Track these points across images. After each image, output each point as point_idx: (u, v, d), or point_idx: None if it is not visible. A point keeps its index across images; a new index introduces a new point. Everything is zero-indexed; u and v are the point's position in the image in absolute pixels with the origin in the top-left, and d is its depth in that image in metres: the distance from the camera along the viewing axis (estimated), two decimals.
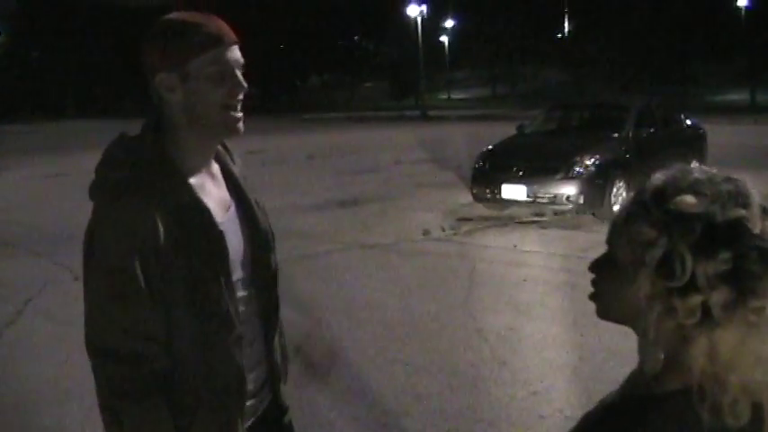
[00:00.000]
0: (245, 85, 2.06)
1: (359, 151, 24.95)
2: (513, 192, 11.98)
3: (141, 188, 1.98)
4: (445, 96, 70.11)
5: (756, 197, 1.40)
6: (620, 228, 1.46)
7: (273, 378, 2.34)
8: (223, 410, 2.09)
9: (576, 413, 5.33)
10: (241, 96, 2.07)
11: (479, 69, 74.44)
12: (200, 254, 2.01)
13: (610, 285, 1.50)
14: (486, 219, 12.45)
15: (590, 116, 14.43)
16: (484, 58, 69.96)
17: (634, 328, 1.49)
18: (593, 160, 11.89)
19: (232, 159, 2.30)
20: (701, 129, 15.33)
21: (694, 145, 14.70)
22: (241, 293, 2.17)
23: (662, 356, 1.41)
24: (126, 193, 1.97)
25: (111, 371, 1.98)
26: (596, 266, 1.55)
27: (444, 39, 71.62)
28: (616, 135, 12.86)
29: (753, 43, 50.13)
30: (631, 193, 1.52)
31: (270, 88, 51.49)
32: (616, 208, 11.90)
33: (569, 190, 11.69)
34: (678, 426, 1.38)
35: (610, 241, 1.51)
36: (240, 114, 2.08)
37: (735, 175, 1.45)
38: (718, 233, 1.34)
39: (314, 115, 40.23)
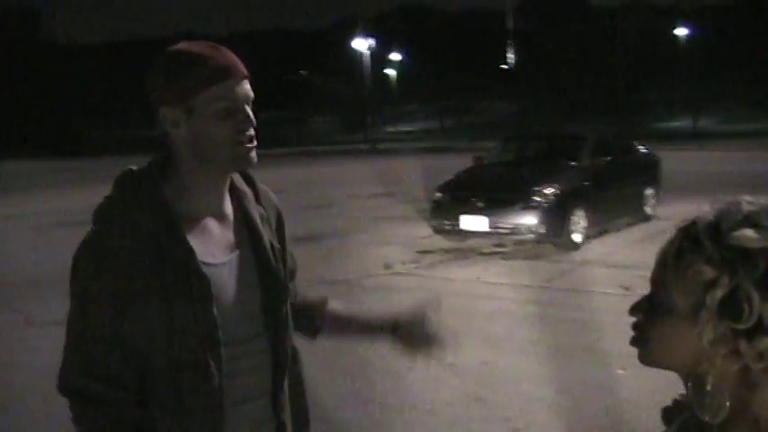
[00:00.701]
0: (254, 120, 1.96)
1: (313, 186, 24.81)
2: (474, 223, 11.92)
3: (125, 224, 1.91)
4: (393, 129, 70.39)
5: None
6: (672, 267, 1.34)
7: None
8: None
9: None
10: (251, 132, 1.96)
11: (426, 102, 74.89)
12: (179, 299, 1.90)
13: (660, 329, 1.38)
14: (446, 251, 12.37)
15: (547, 146, 14.48)
16: (430, 90, 70.40)
17: (687, 376, 1.37)
18: (552, 190, 11.91)
19: (257, 198, 2.16)
20: (655, 156, 15.49)
21: (649, 172, 14.87)
22: (250, 345, 2.04)
23: (727, 405, 1.30)
24: (107, 227, 1.93)
25: (77, 411, 1.93)
26: (641, 309, 1.43)
27: (391, 72, 72.02)
28: (574, 164, 12.91)
29: (693, 71, 51.14)
30: (673, 230, 1.41)
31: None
32: (576, 236, 11.99)
33: (530, 220, 11.68)
34: None
35: (658, 282, 1.39)
36: (251, 145, 1.97)
37: None
38: None
39: (263, 151, 39.98)
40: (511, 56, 66.95)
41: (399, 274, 10.91)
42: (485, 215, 11.76)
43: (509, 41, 64.18)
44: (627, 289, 9.62)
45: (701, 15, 52.35)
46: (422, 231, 13.44)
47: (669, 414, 1.66)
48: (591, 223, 12.42)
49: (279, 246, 2.15)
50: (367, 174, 28.19)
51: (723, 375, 1.29)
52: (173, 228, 1.93)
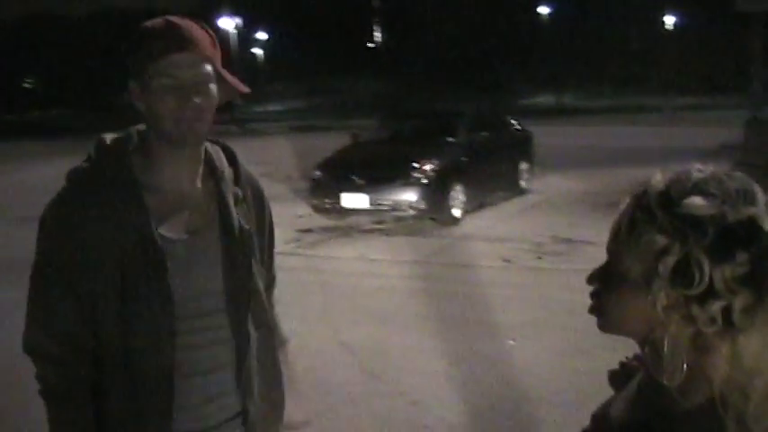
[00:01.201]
0: (198, 101, 1.91)
1: None
2: (354, 201, 11.92)
3: (85, 191, 1.95)
4: (262, 109, 69.65)
5: (761, 193, 1.33)
6: (625, 237, 1.36)
7: (246, 413, 2.17)
8: (143, 428, 2.01)
9: (459, 420, 5.29)
10: (191, 111, 1.91)
11: (295, 81, 74.44)
12: (135, 268, 1.94)
13: (616, 298, 1.39)
14: (327, 229, 12.33)
15: (425, 123, 14.59)
16: (298, 69, 69.97)
17: (643, 341, 1.39)
18: (431, 166, 12.01)
19: (237, 179, 2.16)
20: (527, 131, 15.85)
21: (523, 147, 15.24)
22: (210, 320, 2.06)
23: (684, 368, 1.31)
24: (68, 194, 1.97)
25: (37, 369, 2.00)
26: (598, 278, 1.45)
27: (258, 51, 71.22)
28: (452, 140, 13.06)
29: (555, 49, 52.51)
30: (627, 200, 1.41)
31: (84, 106, 49.57)
32: (455, 211, 12.15)
33: (410, 196, 11.76)
34: None
35: (612, 251, 1.41)
36: (194, 124, 1.93)
37: (734, 172, 1.38)
38: (733, 234, 1.26)
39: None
40: (377, 34, 67.13)
41: (282, 253, 10.62)
42: (365, 193, 11.77)
43: (375, 20, 64.30)
44: (508, 261, 9.84)
45: None
46: (300, 210, 13.35)
47: (617, 376, 1.70)
48: (469, 198, 12.62)
49: (249, 228, 2.14)
50: (239, 154, 27.79)
51: (678, 340, 1.30)
52: (134, 199, 1.95)
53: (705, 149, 21.56)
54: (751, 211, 1.28)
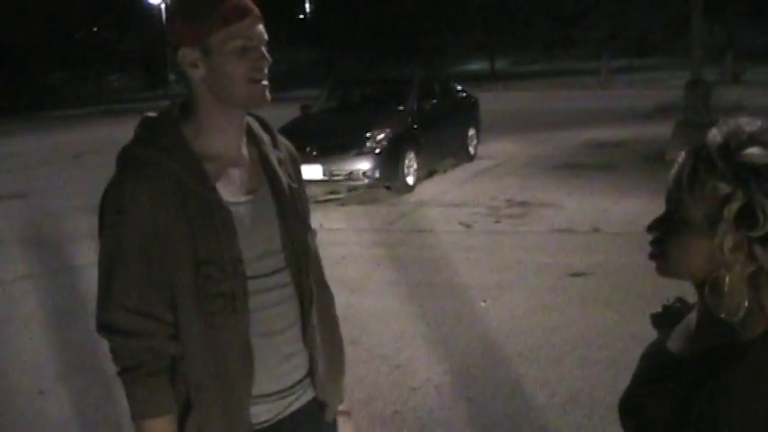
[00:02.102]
0: (270, 58, 2.03)
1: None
2: (308, 172, 11.87)
3: (144, 164, 1.99)
4: None
5: None
6: (687, 186, 1.46)
7: (313, 372, 2.24)
8: (227, 392, 2.06)
9: (444, 380, 5.44)
10: (266, 70, 2.04)
11: None
12: (204, 234, 2.00)
13: (679, 242, 1.51)
14: None
15: (373, 91, 14.63)
16: None
17: (702, 282, 1.51)
18: (384, 134, 12.09)
19: (275, 143, 2.25)
20: (473, 98, 15.98)
21: (470, 113, 15.38)
22: (272, 279, 2.12)
23: (746, 304, 1.43)
24: (128, 170, 2.00)
25: (113, 344, 2.04)
26: (659, 226, 1.55)
27: None
28: (402, 108, 13.12)
29: (487, 14, 52.58)
30: (683, 152, 1.52)
31: (8, 85, 48.14)
32: (409, 179, 12.27)
33: (364, 165, 11.83)
34: None
35: (674, 200, 1.51)
36: (266, 84, 2.04)
37: None
38: None
39: (64, 112, 38.27)
40: (308, 4, 66.62)
41: None
42: (319, 163, 11.78)
43: None
44: (467, 226, 9.99)
45: None
46: None
47: (660, 318, 1.84)
48: (421, 166, 12.74)
49: (297, 187, 2.24)
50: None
51: (740, 278, 1.42)
52: (194, 166, 2.01)
53: (643, 110, 22.02)
54: None
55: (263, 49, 2.02)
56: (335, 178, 11.93)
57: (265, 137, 2.22)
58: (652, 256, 1.57)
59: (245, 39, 1.98)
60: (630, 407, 1.71)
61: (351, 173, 11.85)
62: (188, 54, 1.99)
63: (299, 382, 2.21)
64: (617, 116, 21.15)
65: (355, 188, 12.30)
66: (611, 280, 7.40)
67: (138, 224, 1.96)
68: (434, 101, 13.91)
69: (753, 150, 1.40)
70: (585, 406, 4.92)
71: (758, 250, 1.39)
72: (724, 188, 1.40)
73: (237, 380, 2.06)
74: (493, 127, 17.34)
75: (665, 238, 1.54)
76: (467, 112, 15.22)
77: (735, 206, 1.39)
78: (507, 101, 27.73)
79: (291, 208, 2.19)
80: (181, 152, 2.02)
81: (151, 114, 2.11)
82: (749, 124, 1.46)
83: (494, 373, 5.49)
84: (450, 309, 6.82)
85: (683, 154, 1.52)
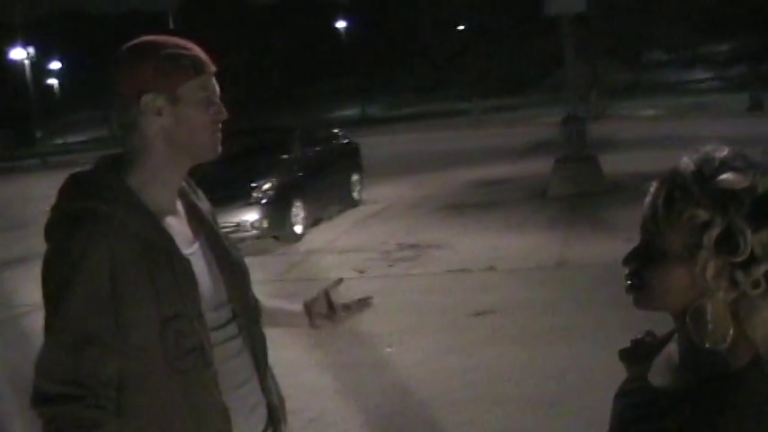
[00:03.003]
0: (225, 112, 2.06)
1: None
2: None
3: (99, 219, 1.88)
4: (62, 141, 66.89)
5: None
6: (664, 215, 1.44)
7: (274, 422, 2.17)
8: None
9: (364, 431, 5.30)
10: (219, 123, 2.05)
11: (94, 110, 71.96)
12: (167, 285, 1.91)
13: (658, 272, 1.48)
14: None
15: (257, 140, 14.47)
16: (96, 98, 67.64)
17: (681, 313, 1.48)
18: (270, 184, 11.98)
19: (197, 195, 2.20)
20: (355, 143, 16.08)
21: (353, 159, 15.47)
22: (225, 331, 2.07)
23: (731, 332, 1.41)
24: (82, 227, 1.87)
25: (51, 414, 1.86)
26: (636, 257, 1.52)
27: (54, 81, 68.38)
28: (286, 156, 13.06)
29: (356, 61, 53.29)
30: (654, 183, 1.50)
31: None
32: (297, 228, 12.14)
33: (252, 216, 11.69)
34: (765, 394, 1.41)
35: (651, 230, 1.48)
36: (220, 135, 2.05)
37: (746, 150, 1.49)
38: (766, 203, 1.38)
39: None
40: None
41: None
42: None
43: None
44: (361, 272, 9.92)
45: (359, 6, 54.62)
46: None
47: (629, 353, 1.81)
48: (308, 213, 12.65)
49: (230, 238, 2.22)
50: (43, 192, 26.61)
51: (723, 306, 1.41)
52: (149, 218, 1.95)
53: (517, 148, 22.58)
54: None
55: (220, 102, 2.05)
56: (224, 230, 11.63)
57: (189, 189, 2.18)
58: (630, 289, 1.53)
59: (210, 91, 2.01)
60: None
61: (238, 224, 11.64)
62: (152, 101, 1.94)
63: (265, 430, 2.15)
64: (493, 155, 21.61)
65: (243, 240, 12.08)
66: (514, 317, 7.43)
67: (98, 284, 1.85)
68: (318, 148, 13.91)
69: (728, 176, 1.39)
70: None
71: (740, 275, 1.38)
72: (702, 215, 1.39)
73: None
74: (373, 171, 17.41)
75: (643, 269, 1.51)
76: (349, 158, 15.27)
77: (714, 232, 1.38)
78: (383, 145, 27.96)
79: (230, 258, 2.15)
80: (133, 205, 1.94)
81: (84, 170, 2.02)
82: (718, 150, 1.46)
83: (414, 420, 5.39)
84: (357, 357, 6.71)
85: (654, 184, 1.50)
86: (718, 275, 1.39)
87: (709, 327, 1.42)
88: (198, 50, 2.03)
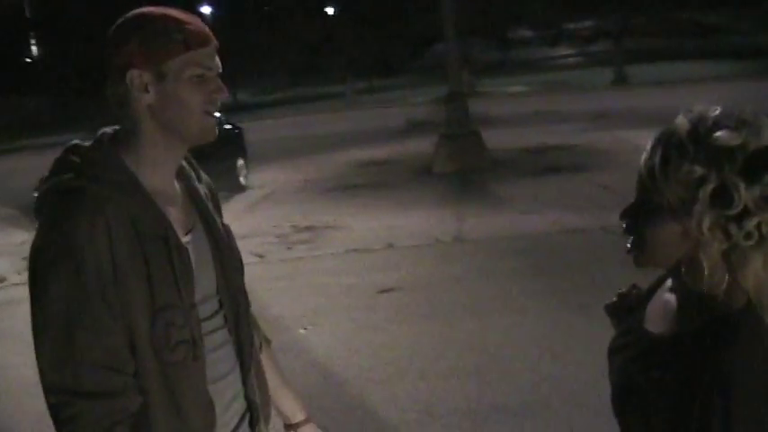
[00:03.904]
0: (226, 90, 1.91)
1: None
2: None
3: (96, 200, 1.77)
4: None
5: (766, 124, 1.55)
6: (660, 171, 1.52)
7: (252, 418, 2.08)
8: None
9: None
10: (219, 103, 1.91)
11: None
12: (162, 274, 1.81)
13: (654, 226, 1.56)
14: None
15: None
16: None
17: (677, 264, 1.58)
18: None
19: (198, 177, 2.07)
20: (238, 128, 15.90)
21: (237, 144, 15.31)
22: (211, 322, 1.96)
23: (726, 278, 1.52)
24: (78, 206, 1.76)
25: (78, 409, 1.74)
26: (632, 213, 1.60)
27: None
28: None
29: (224, 49, 52.43)
30: (649, 142, 1.59)
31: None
32: None
33: None
34: (761, 333, 1.53)
35: (646, 187, 1.56)
36: (216, 117, 1.91)
37: (742, 108, 1.58)
38: (758, 159, 1.47)
39: None
40: (35, 47, 63.39)
41: (16, 285, 10.01)
42: None
43: (30, 32, 60.66)
44: (261, 257, 9.84)
45: None
46: (20, 237, 12.44)
47: (616, 307, 1.94)
48: None
49: (228, 225, 2.09)
50: None
51: (717, 256, 1.50)
52: (148, 203, 1.84)
53: (394, 128, 22.75)
54: (766, 139, 1.49)
55: (219, 79, 1.90)
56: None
57: (189, 170, 2.07)
58: (632, 248, 1.61)
59: (204, 68, 1.86)
60: (630, 401, 1.71)
61: None
62: (137, 77, 1.82)
63: (237, 425, 2.05)
64: (371, 135, 21.71)
65: None
66: (422, 293, 7.52)
67: (97, 266, 1.73)
68: None
69: (722, 134, 1.47)
70: (440, 417, 4.94)
71: (733, 228, 1.47)
72: (698, 171, 1.47)
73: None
74: (253, 156, 17.23)
75: (639, 224, 1.58)
76: (233, 143, 15.08)
77: (710, 187, 1.46)
78: (258, 130, 27.63)
79: (227, 247, 2.05)
80: (133, 188, 1.83)
81: (82, 144, 1.88)
82: (711, 110, 1.54)
83: (340, 400, 5.40)
84: (273, 340, 6.65)
85: (649, 143, 1.57)
86: (713, 228, 1.47)
87: (706, 275, 1.51)
88: (195, 24, 1.88)
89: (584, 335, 5.78)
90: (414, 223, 10.40)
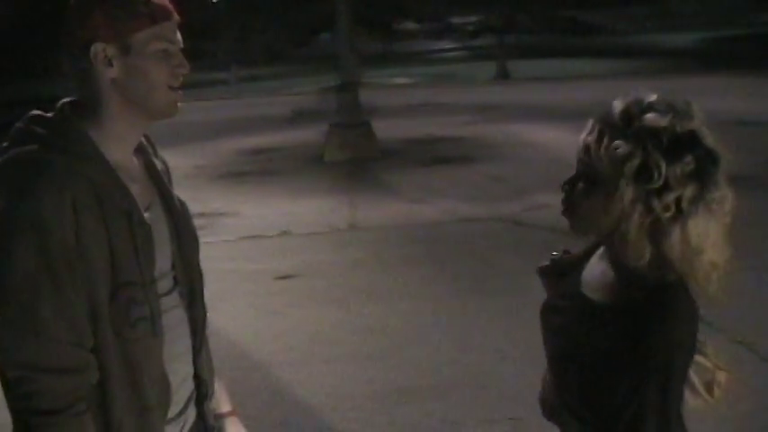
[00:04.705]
0: (188, 66, 1.90)
1: None
2: None
3: (63, 173, 1.74)
4: None
5: (698, 110, 1.74)
6: (594, 147, 1.70)
7: (200, 395, 2.10)
8: (148, 426, 1.88)
9: None
10: (181, 78, 1.90)
11: None
12: (124, 249, 1.81)
13: (587, 198, 1.74)
14: None
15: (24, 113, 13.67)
16: None
17: (609, 235, 1.74)
18: None
19: (155, 153, 2.06)
20: None
21: None
22: (168, 300, 1.95)
23: (648, 249, 1.68)
24: (45, 178, 1.73)
25: (40, 385, 1.73)
26: (570, 183, 1.77)
27: None
28: None
29: None
30: (591, 120, 1.75)
31: None
32: None
33: None
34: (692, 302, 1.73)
35: (583, 161, 1.74)
36: (180, 93, 1.91)
37: (680, 97, 1.76)
38: (681, 141, 1.66)
39: None
40: None
41: None
42: None
43: None
44: None
45: None
46: None
47: (549, 270, 2.11)
48: None
49: (185, 201, 2.08)
50: None
51: (640, 228, 1.67)
52: (113, 178, 1.83)
53: (280, 116, 22.58)
54: (693, 124, 1.68)
55: (182, 56, 1.90)
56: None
57: (148, 146, 2.07)
58: (565, 213, 1.79)
59: (168, 42, 1.86)
60: (569, 357, 1.85)
61: None
62: (101, 50, 1.80)
63: (188, 402, 2.07)
64: (258, 123, 21.50)
65: None
66: (319, 279, 7.57)
67: (63, 240, 1.71)
68: None
69: (650, 116, 1.66)
70: (347, 399, 5.03)
71: (654, 202, 1.64)
72: (625, 147, 1.64)
73: (156, 410, 1.89)
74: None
75: (574, 194, 1.75)
76: None
77: (635, 163, 1.64)
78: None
79: (184, 224, 2.06)
80: (99, 162, 1.82)
81: (43, 114, 1.85)
82: (647, 95, 1.72)
83: (245, 384, 5.40)
84: None
85: (590, 122, 1.74)
86: (634, 200, 1.64)
87: (630, 245, 1.68)
88: None
89: (482, 319, 5.97)
90: (307, 211, 10.42)
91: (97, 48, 1.80)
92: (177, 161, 15.93)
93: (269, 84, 36.79)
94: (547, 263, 2.09)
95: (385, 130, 15.56)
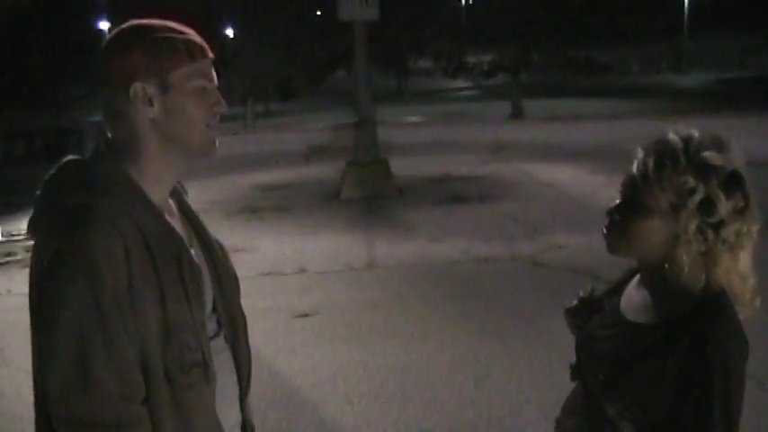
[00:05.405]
0: (225, 103, 1.90)
1: None
2: None
3: (109, 216, 1.72)
4: None
5: (740, 151, 1.86)
6: (654, 177, 1.79)
7: None
8: None
9: None
10: (218, 116, 1.90)
11: None
12: (174, 293, 1.78)
13: (640, 224, 1.83)
14: None
15: (47, 143, 13.83)
16: None
17: (655, 261, 1.84)
18: None
19: (187, 194, 2.05)
20: None
21: None
22: (214, 344, 1.92)
23: (704, 275, 1.80)
24: (92, 222, 1.69)
25: None
26: (621, 210, 1.86)
27: None
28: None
29: None
30: (641, 151, 1.86)
31: None
32: None
33: None
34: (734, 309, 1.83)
35: (638, 188, 1.82)
36: (217, 131, 1.91)
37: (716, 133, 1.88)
38: (733, 178, 1.78)
39: None
40: None
41: None
42: None
43: None
44: None
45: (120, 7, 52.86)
46: None
47: (578, 310, 2.16)
48: None
49: (222, 242, 2.07)
50: None
51: (697, 256, 1.79)
52: (160, 219, 1.80)
53: (294, 153, 22.67)
54: (739, 162, 1.81)
55: (218, 93, 1.90)
56: (14, 238, 11.10)
57: (180, 187, 2.06)
58: (610, 232, 1.88)
59: (206, 79, 1.85)
60: (621, 383, 1.88)
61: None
62: (141, 89, 1.79)
63: None
64: (273, 159, 21.59)
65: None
66: (338, 317, 7.57)
67: (114, 286, 1.67)
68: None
69: (711, 153, 1.77)
70: None
71: (710, 234, 1.77)
72: (691, 182, 1.76)
73: None
74: None
75: (628, 220, 1.84)
76: None
77: (697, 197, 1.76)
78: None
79: (224, 264, 2.04)
80: (144, 203, 1.80)
81: (80, 159, 1.84)
82: (693, 132, 1.84)
83: (265, 425, 5.37)
84: None
85: (640, 152, 1.85)
86: (696, 231, 1.77)
87: (686, 271, 1.78)
88: (194, 35, 1.86)
89: (503, 360, 5.96)
90: (324, 248, 10.44)
91: (137, 87, 1.79)
92: (193, 196, 16.01)
93: (282, 120, 37.05)
94: (574, 303, 2.14)
95: (401, 167, 15.61)
